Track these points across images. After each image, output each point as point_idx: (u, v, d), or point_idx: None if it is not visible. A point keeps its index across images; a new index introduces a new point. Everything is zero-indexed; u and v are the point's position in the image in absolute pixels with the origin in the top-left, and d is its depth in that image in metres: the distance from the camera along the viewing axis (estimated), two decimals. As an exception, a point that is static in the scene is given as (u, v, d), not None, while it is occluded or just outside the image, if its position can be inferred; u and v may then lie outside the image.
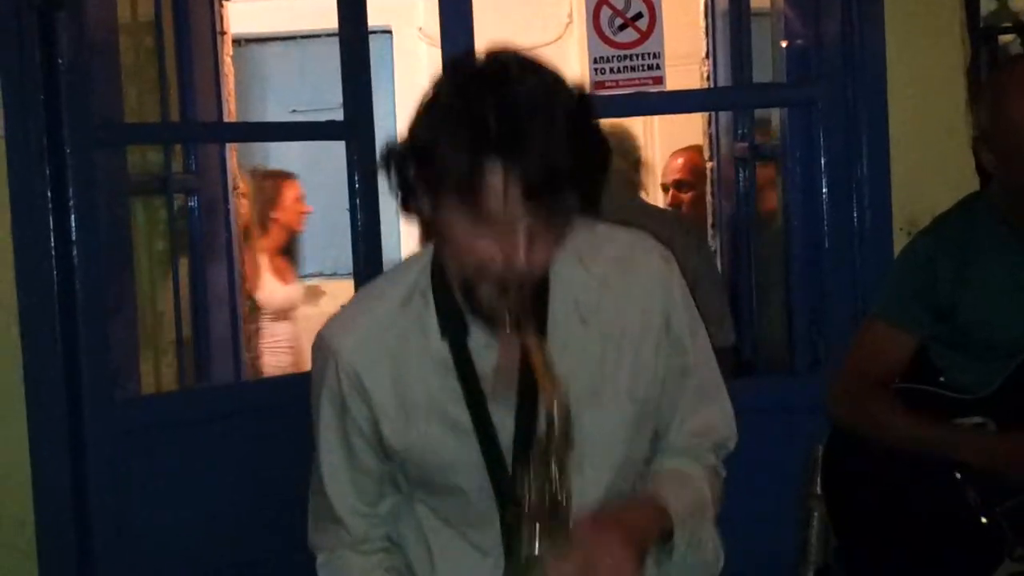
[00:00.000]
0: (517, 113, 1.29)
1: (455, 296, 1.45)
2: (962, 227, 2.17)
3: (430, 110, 1.37)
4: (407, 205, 1.42)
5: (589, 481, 1.47)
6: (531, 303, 1.39)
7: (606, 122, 3.62)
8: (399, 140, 1.41)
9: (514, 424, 1.45)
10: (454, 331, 1.46)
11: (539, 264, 1.37)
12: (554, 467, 1.32)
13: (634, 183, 3.54)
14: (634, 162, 3.53)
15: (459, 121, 1.31)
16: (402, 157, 1.40)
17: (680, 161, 4.11)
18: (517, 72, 1.33)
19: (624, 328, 1.51)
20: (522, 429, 1.44)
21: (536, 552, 1.32)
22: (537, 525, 1.32)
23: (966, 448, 2.05)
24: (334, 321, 1.56)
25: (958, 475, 2.05)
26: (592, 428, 1.46)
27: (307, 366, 1.62)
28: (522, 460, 1.39)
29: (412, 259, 1.57)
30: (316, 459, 1.59)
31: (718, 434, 1.63)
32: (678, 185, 4.08)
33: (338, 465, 1.56)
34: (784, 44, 3.06)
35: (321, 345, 1.54)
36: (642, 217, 3.01)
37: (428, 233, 1.51)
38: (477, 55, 1.40)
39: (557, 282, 1.48)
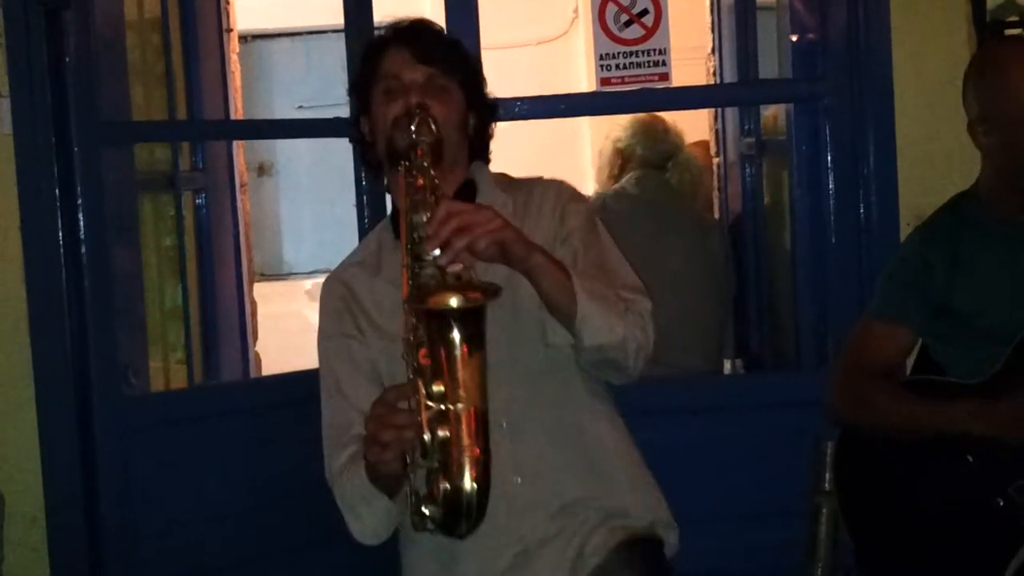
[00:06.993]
0: (421, 25, 2.00)
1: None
2: (952, 223, 2.20)
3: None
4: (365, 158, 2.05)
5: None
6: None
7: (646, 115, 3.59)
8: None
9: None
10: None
11: (437, 114, 1.81)
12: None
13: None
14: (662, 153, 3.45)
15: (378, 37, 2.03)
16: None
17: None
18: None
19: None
20: None
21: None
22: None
23: (970, 418, 2.04)
24: None
25: (970, 458, 2.06)
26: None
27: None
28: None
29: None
30: (324, 378, 1.95)
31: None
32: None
33: (346, 364, 1.92)
34: (791, 39, 3.06)
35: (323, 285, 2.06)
36: None
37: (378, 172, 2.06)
38: None
39: (481, 201, 1.89)
